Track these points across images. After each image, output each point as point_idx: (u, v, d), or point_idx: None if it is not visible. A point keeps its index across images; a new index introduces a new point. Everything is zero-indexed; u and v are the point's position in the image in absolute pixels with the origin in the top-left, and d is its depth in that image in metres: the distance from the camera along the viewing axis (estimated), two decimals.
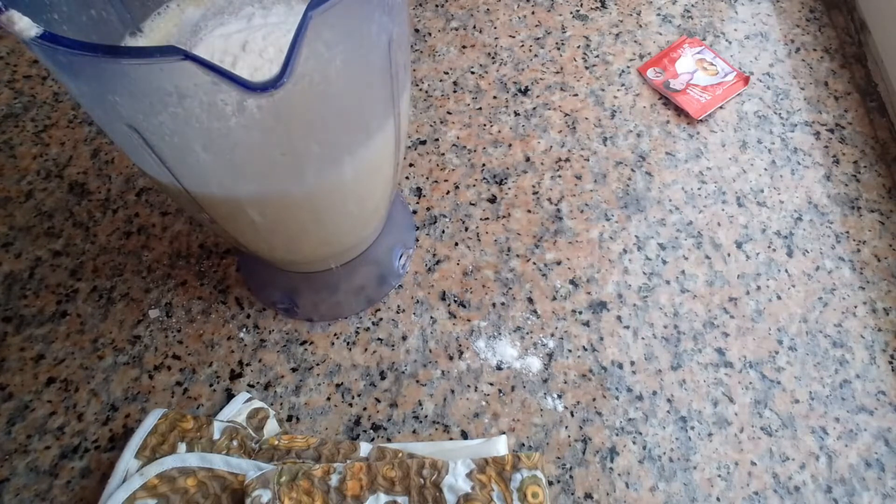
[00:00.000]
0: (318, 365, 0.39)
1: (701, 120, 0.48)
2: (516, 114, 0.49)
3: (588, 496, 0.35)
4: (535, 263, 0.42)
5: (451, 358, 0.39)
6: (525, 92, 0.50)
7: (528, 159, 0.47)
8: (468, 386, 0.38)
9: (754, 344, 0.39)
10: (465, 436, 0.37)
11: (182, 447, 0.34)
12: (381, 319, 0.40)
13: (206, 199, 0.27)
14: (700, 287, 0.41)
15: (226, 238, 0.33)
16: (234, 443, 0.34)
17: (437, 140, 0.48)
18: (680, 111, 0.49)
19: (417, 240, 0.43)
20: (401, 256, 0.41)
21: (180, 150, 0.24)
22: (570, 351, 0.39)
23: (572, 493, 0.35)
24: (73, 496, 0.35)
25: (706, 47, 0.52)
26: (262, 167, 0.26)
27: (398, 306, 0.41)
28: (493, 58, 0.52)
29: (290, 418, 0.37)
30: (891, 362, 0.39)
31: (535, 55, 0.52)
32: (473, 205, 0.45)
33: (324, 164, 0.27)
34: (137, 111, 0.22)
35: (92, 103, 0.24)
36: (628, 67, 0.51)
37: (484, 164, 0.47)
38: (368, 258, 0.40)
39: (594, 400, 0.37)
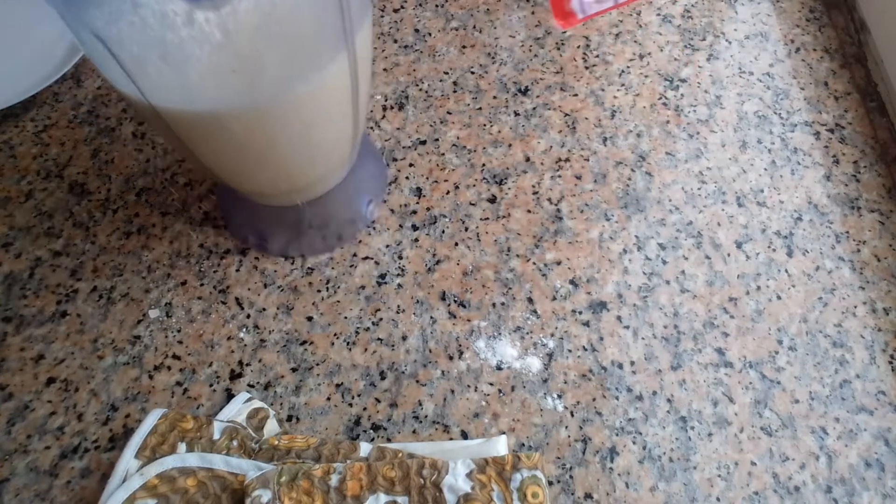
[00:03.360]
0: (318, 365, 0.39)
1: (701, 120, 0.48)
2: (516, 114, 0.49)
3: (588, 496, 0.35)
4: (535, 263, 0.42)
5: (451, 358, 0.39)
6: (525, 92, 0.50)
7: (528, 159, 0.47)
8: (468, 386, 0.38)
9: (754, 344, 0.39)
10: (465, 436, 0.37)
11: (182, 447, 0.34)
12: (381, 319, 0.40)
13: (170, 113, 0.29)
14: (700, 287, 0.41)
15: (196, 164, 0.35)
16: (234, 443, 0.34)
17: (437, 140, 0.48)
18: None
19: (389, 192, 0.45)
20: (369, 203, 0.43)
21: (140, 60, 0.26)
22: (570, 351, 0.39)
23: (572, 493, 0.35)
24: (73, 496, 0.35)
25: None
26: (215, 82, 0.28)
27: (398, 306, 0.41)
28: (493, 58, 0.52)
29: (290, 418, 0.37)
30: (891, 362, 0.39)
31: (535, 55, 0.52)
32: (473, 205, 0.45)
33: (273, 86, 0.29)
34: (98, 18, 0.24)
35: (64, 10, 0.26)
36: (628, 67, 0.51)
37: (484, 164, 0.47)
38: (335, 198, 0.41)
39: (594, 400, 0.37)
